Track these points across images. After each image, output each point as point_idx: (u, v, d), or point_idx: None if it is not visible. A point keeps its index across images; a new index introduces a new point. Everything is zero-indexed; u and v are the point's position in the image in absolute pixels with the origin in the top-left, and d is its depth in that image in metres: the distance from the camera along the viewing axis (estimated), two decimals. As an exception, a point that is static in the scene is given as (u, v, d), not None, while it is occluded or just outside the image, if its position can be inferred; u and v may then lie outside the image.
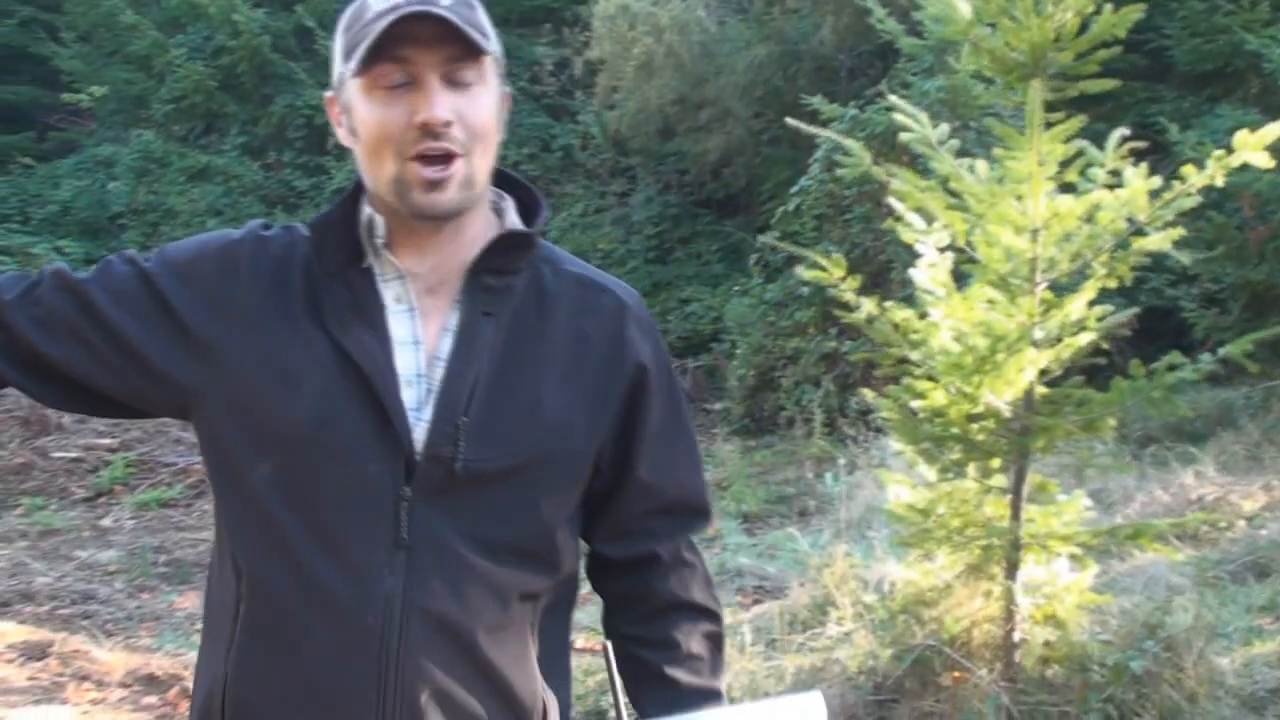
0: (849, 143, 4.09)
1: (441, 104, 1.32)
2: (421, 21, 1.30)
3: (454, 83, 1.34)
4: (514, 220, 1.47)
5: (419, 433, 1.36)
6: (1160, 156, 7.46)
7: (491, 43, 1.36)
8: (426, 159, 1.33)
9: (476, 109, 1.36)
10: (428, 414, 1.37)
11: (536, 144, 17.60)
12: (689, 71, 14.33)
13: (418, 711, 1.34)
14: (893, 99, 4.24)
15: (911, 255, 4.03)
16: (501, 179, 1.49)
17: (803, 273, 3.99)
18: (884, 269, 9.71)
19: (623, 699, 1.37)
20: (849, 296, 3.86)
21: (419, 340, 1.40)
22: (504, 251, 1.42)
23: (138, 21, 20.63)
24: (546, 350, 1.41)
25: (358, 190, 1.43)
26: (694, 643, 1.50)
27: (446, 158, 1.34)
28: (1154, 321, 8.23)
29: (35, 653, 5.39)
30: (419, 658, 1.34)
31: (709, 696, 1.48)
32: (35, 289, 1.40)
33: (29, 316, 1.39)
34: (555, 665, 1.47)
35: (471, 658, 1.37)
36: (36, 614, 6.48)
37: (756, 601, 5.87)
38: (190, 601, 6.60)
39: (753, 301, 11.63)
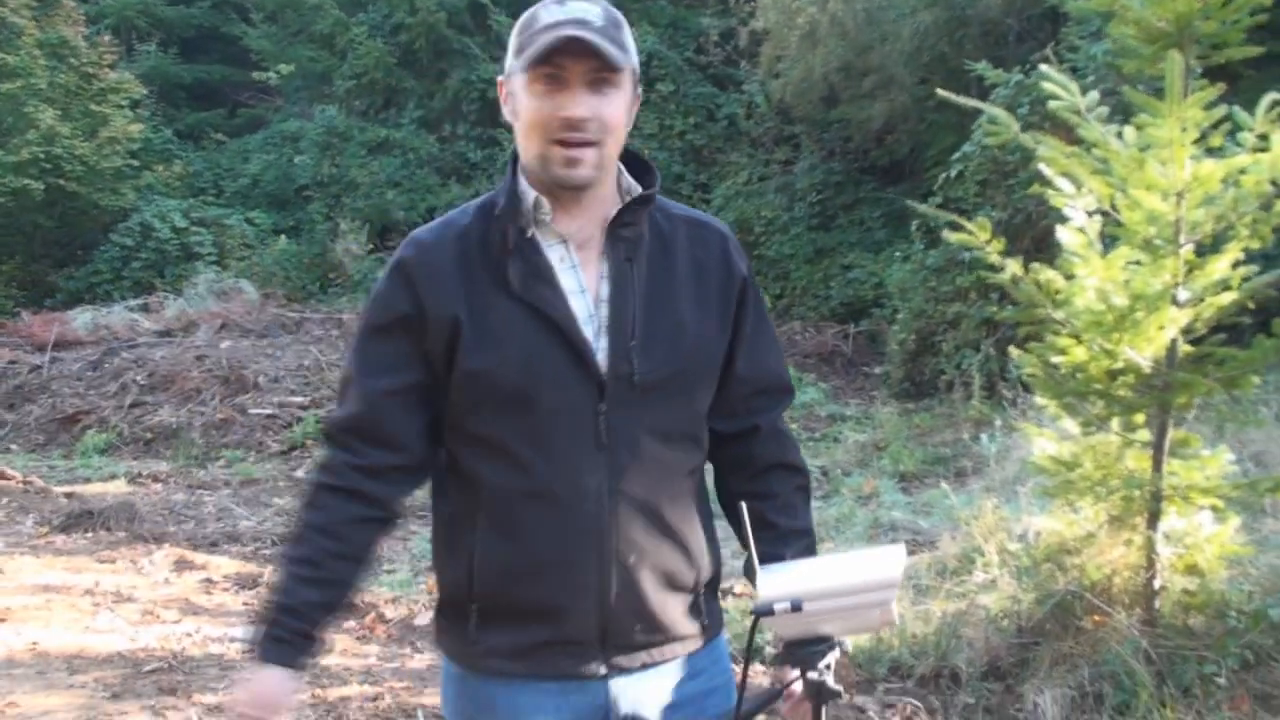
0: (996, 110, 4.26)
1: (582, 104, 1.72)
2: (575, 40, 1.69)
3: (596, 87, 1.73)
4: (631, 182, 1.86)
5: (601, 358, 1.76)
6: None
7: (630, 59, 1.76)
8: (565, 144, 1.73)
9: (611, 109, 1.74)
10: (604, 344, 1.77)
11: (702, 113, 17.83)
12: (853, 39, 14.38)
13: (628, 572, 1.77)
14: (1043, 67, 4.37)
15: (1066, 220, 4.18)
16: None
17: (948, 236, 4.19)
18: (1047, 233, 9.66)
19: (754, 548, 1.72)
20: (994, 258, 4.05)
21: (584, 288, 1.79)
22: (630, 209, 1.82)
23: (321, 1, 21.49)
24: (676, 280, 1.83)
25: (514, 172, 1.82)
26: (789, 494, 1.95)
27: (584, 144, 1.73)
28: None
29: (247, 582, 5.98)
30: (626, 531, 1.76)
31: (803, 534, 1.92)
32: (388, 431, 1.80)
33: (414, 437, 1.81)
34: (709, 528, 1.90)
35: (662, 526, 1.80)
36: (242, 553, 7.11)
37: (909, 554, 6.08)
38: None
39: (914, 267, 11.70)
